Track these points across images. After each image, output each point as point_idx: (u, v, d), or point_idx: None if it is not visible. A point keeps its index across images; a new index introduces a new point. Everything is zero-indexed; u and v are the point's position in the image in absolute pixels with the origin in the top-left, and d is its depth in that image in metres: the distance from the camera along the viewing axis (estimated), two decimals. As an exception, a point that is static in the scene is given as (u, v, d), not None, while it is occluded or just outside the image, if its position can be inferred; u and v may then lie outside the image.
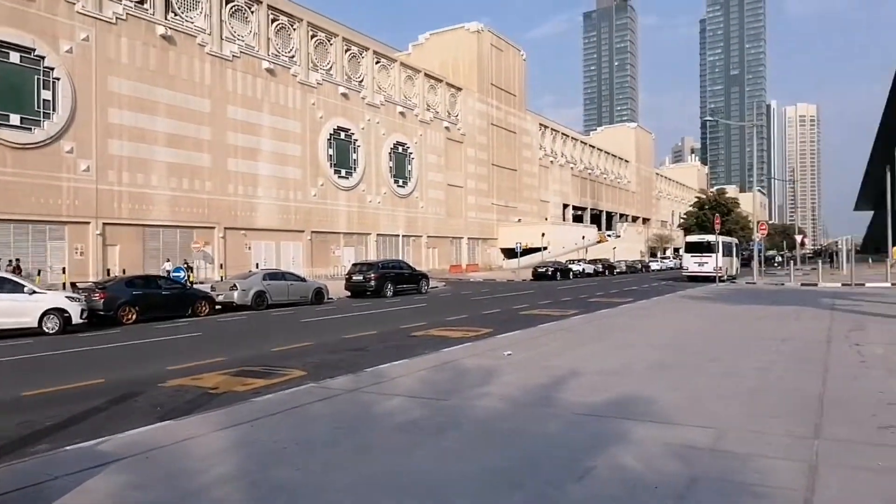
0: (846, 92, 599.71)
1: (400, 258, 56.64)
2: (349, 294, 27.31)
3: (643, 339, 9.88)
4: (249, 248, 44.88)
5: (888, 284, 25.07)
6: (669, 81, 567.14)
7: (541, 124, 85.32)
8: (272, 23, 45.94)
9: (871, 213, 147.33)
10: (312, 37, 49.49)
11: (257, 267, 39.03)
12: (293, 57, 47.57)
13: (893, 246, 40.75)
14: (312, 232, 49.42)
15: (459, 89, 67.48)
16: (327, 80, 50.50)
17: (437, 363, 7.88)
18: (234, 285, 20.86)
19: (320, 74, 49.76)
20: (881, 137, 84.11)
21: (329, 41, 51.17)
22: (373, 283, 26.14)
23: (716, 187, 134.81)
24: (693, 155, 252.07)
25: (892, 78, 52.87)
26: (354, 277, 26.76)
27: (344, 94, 51.99)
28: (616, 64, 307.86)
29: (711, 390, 6.04)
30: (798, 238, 46.10)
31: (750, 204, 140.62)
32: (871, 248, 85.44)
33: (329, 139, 50.77)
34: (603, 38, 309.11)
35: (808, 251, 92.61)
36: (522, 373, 7.07)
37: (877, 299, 17.35)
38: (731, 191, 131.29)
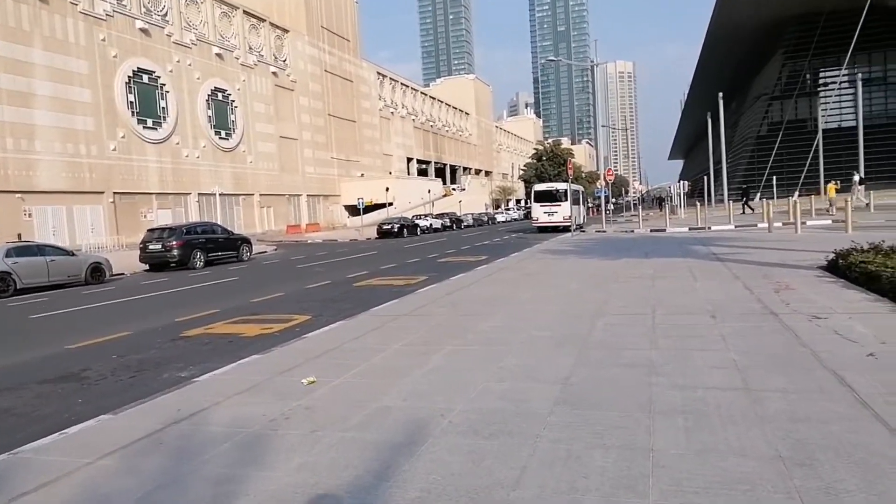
0: (657, 50, 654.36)
1: (222, 220, 50.37)
2: (147, 268, 21.98)
3: (520, 323, 6.76)
4: (30, 214, 36.71)
5: (732, 227, 24.88)
6: (502, 38, 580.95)
7: (379, 73, 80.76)
8: (36, -66, 36.65)
9: (682, 161, 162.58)
10: (95, -43, 40.63)
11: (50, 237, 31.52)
12: (70, -21, 38.71)
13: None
14: (115, 193, 41.79)
15: (287, 31, 60.82)
16: (119, 11, 42.17)
17: (161, 424, 4.08)
18: (-42, 268, 15.00)
19: (109, 4, 41.34)
20: (692, 97, 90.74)
21: (118, -37, 42.47)
22: (175, 252, 21.07)
23: (551, 139, 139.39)
24: (528, 108, 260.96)
25: (699, 44, 54.95)
26: (151, 246, 21.44)
27: (143, 30, 43.94)
28: (451, 17, 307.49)
29: (707, 474, 2.92)
30: (636, 185, 46.85)
31: (581, 155, 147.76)
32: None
33: (128, 83, 42.78)
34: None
35: (633, 198, 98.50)
36: (321, 441, 3.53)
37: (743, 243, 16.03)
38: (564, 142, 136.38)
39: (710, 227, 24.61)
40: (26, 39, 35.78)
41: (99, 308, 12.20)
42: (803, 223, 20.87)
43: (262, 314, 9.71)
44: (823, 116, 52.50)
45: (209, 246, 22.61)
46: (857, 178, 31.85)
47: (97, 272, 18.15)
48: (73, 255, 18.10)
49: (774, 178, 45.80)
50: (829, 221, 23.96)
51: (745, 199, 38.21)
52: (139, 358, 7.05)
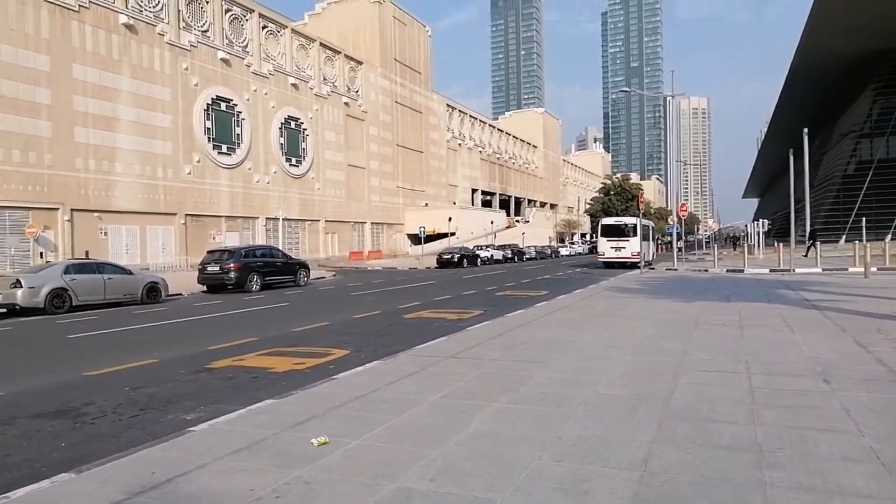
0: (732, 88, 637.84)
1: (288, 244, 50.99)
2: (205, 289, 21.93)
3: (584, 376, 5.69)
4: (105, 233, 38.02)
5: (818, 270, 22.76)
6: (573, 74, 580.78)
7: (448, 105, 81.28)
8: (131, -30, 38.73)
9: (757, 199, 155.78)
10: (183, -9, 42.59)
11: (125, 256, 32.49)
12: (159, 13, 40.63)
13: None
14: (187, 215, 42.94)
15: (360, 63, 62.04)
16: (203, 42, 43.85)
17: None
18: (18, 281, 15.11)
19: (194, 36, 43.06)
20: (772, 133, 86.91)
21: (204, -2, 44.39)
22: (232, 274, 20.90)
23: (619, 174, 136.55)
24: (597, 143, 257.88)
25: (777, 78, 52.44)
26: (209, 268, 21.38)
27: (224, 60, 45.50)
28: (523, 53, 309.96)
29: None
30: (710, 223, 44.56)
31: (650, 191, 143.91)
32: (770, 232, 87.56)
33: (206, 110, 44.23)
34: (510, 27, 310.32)
35: (704, 236, 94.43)
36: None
37: (838, 289, 14.28)
38: (633, 178, 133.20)
39: (794, 270, 22.57)
40: (115, 67, 37.54)
41: (140, 330, 11.83)
42: (906, 270, 18.70)
43: (299, 346, 8.97)
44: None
45: (267, 270, 22.40)
46: None
47: (153, 292, 18.09)
48: (131, 273, 18.13)
49: (864, 219, 42.47)
50: (934, 269, 21.51)
51: (812, 241, 35.45)
52: (151, 392, 6.37)
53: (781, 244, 30.58)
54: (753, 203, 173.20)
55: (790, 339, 7.55)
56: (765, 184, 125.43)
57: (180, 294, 21.01)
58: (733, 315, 9.96)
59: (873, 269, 19.73)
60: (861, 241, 37.67)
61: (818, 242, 34.99)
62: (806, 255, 32.25)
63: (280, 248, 47.59)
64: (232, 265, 21.04)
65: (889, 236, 36.33)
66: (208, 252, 22.87)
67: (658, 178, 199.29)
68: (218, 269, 21.16)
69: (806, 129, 44.74)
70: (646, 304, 12.10)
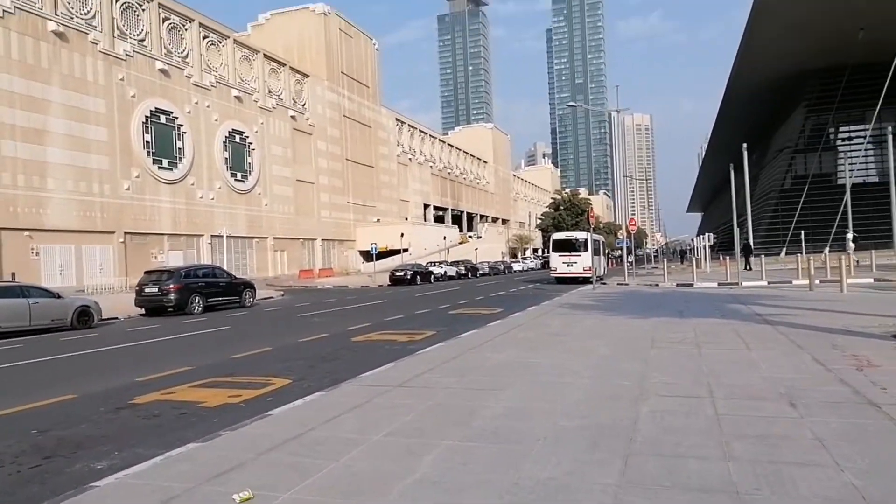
0: (671, 105, 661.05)
1: (235, 263, 49.46)
2: (143, 312, 20.77)
3: (541, 403, 5.34)
4: (37, 253, 36.03)
5: (765, 283, 23.27)
6: (520, 90, 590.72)
7: (398, 119, 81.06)
8: (61, -25, 37.07)
9: (701, 213, 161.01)
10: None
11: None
12: (92, 20, 39.04)
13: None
14: (126, 233, 41.14)
15: (306, 76, 61.21)
16: (140, 52, 42.38)
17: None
18: (-74, 309, 13.84)
19: (130, 45, 41.58)
20: (712, 149, 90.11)
21: (140, 6, 42.95)
22: (172, 296, 19.85)
23: (568, 189, 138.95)
24: (546, 159, 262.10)
25: (713, 96, 54.44)
26: (147, 290, 20.25)
27: (163, 71, 44.06)
28: (470, 68, 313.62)
29: None
30: (657, 237, 45.31)
31: (598, 206, 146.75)
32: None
33: (145, 123, 42.68)
34: (458, 42, 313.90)
35: (651, 250, 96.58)
36: None
37: (787, 303, 14.46)
38: (582, 193, 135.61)
39: (741, 283, 22.96)
40: (44, 77, 35.77)
41: (63, 360, 10.87)
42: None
43: (237, 375, 8.31)
44: (851, 171, 50.98)
45: (209, 290, 21.40)
46: (850, 235, 31.82)
47: (84, 316, 16.94)
48: (60, 297, 16.94)
49: (803, 232, 44.14)
50: (872, 280, 22.23)
51: (745, 254, 36.60)
52: (61, 436, 5.65)
53: (728, 258, 31.25)
54: (697, 217, 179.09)
55: (748, 358, 7.37)
56: (707, 198, 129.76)
57: (116, 318, 19.83)
58: (688, 332, 9.81)
59: (816, 281, 20.22)
60: (801, 253, 39.13)
61: (752, 256, 36.17)
62: (748, 269, 33.19)
63: (224, 266, 46.24)
64: (172, 286, 19.98)
65: (827, 248, 37.72)
66: (146, 273, 21.70)
67: (605, 193, 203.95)
68: (157, 290, 20.07)
69: (745, 144, 46.27)
70: (600, 322, 11.89)
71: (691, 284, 24.70)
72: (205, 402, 6.65)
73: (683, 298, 17.25)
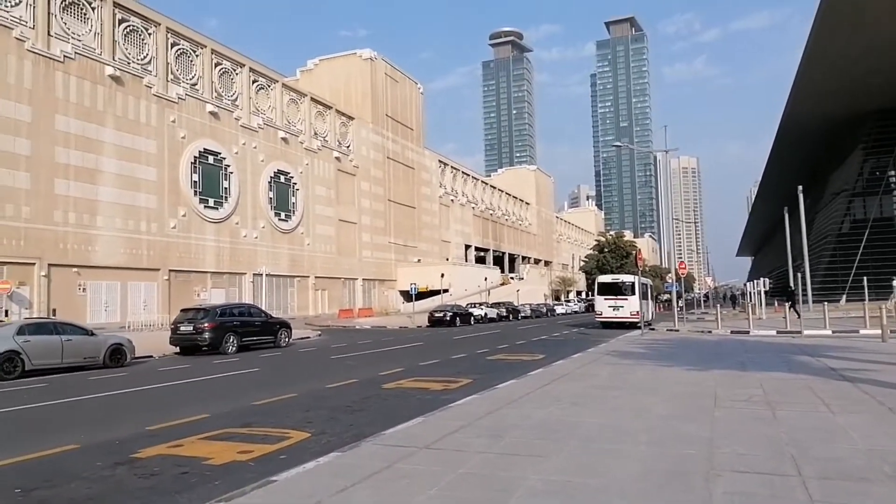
0: (718, 149, 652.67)
1: (276, 301, 49.57)
2: (177, 350, 20.51)
3: (590, 479, 4.55)
4: (84, 289, 36.72)
5: (828, 332, 21.60)
6: (564, 133, 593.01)
7: (440, 161, 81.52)
8: (119, 24, 38.74)
9: (751, 258, 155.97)
10: (173, 45, 42.69)
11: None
12: (147, 65, 40.51)
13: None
14: (171, 271, 41.74)
15: (351, 118, 62.26)
16: (192, 95, 43.71)
17: None
18: (-38, 344, 13.75)
19: (183, 88, 42.97)
20: (763, 192, 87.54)
21: (194, 52, 44.51)
22: (207, 335, 19.53)
23: (612, 231, 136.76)
24: (589, 201, 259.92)
25: (761, 139, 52.92)
26: (182, 328, 20.01)
27: (213, 113, 45.29)
28: (514, 112, 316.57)
29: None
30: (708, 281, 43.53)
31: (644, 249, 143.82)
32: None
33: (194, 163, 43.70)
34: (501, 87, 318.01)
35: (699, 294, 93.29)
36: None
37: (861, 355, 13.11)
38: (627, 235, 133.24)
39: (802, 332, 21.35)
40: (99, 119, 37.04)
41: (81, 402, 10.42)
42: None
43: (253, 426, 7.64)
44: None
45: (244, 330, 21.04)
46: None
47: (117, 354, 16.70)
48: (93, 335, 16.75)
49: (865, 279, 41.66)
50: (950, 331, 20.36)
51: (791, 301, 34.63)
52: (45, 497, 5.04)
53: (787, 304, 29.47)
54: (746, 261, 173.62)
55: (834, 424, 6.32)
56: (758, 242, 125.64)
57: (150, 356, 19.57)
58: (756, 388, 8.73)
59: (876, 330, 18.61)
60: (864, 300, 36.86)
61: (797, 302, 34.17)
62: (798, 316, 31.40)
63: (265, 305, 46.31)
64: (206, 325, 19.69)
65: (893, 297, 35.45)
66: (182, 310, 21.53)
67: (651, 236, 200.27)
68: (191, 328, 19.80)
69: (801, 187, 44.43)
70: (653, 374, 10.86)
71: (747, 332, 23.18)
72: (211, 459, 5.98)
73: (742, 348, 15.96)
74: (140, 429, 7.64)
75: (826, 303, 27.35)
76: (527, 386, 9.57)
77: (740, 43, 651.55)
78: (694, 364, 12.11)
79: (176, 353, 20.35)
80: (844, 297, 50.00)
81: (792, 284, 37.83)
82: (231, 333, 20.25)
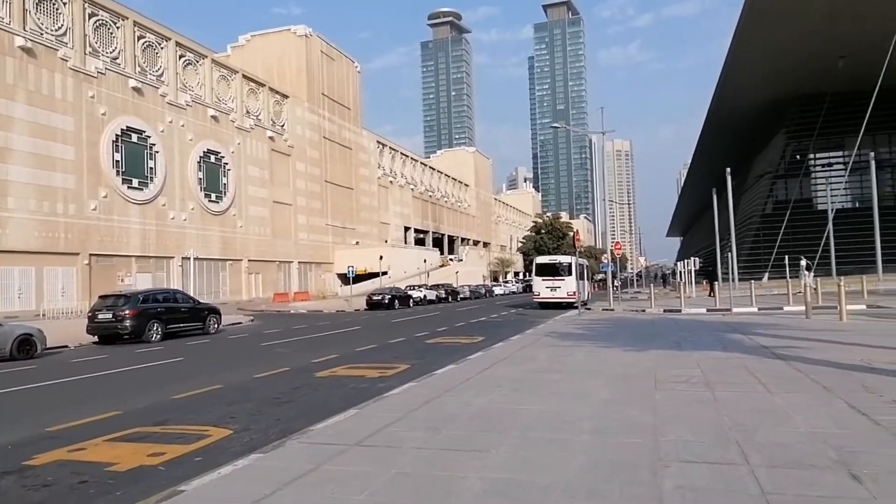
0: (649, 131, 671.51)
1: (207, 285, 47.75)
2: (96, 340, 19.23)
3: (535, 475, 4.29)
4: (-7, 275, 34.15)
5: (754, 309, 22.38)
6: (502, 115, 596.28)
7: (379, 142, 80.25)
8: (30, -9, 35.84)
9: (680, 238, 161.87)
10: (91, 16, 39.91)
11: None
12: (62, 37, 37.73)
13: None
14: (91, 255, 39.41)
15: (286, 97, 60.22)
16: (112, 69, 41.09)
17: None
18: None
19: (102, 62, 40.30)
20: (692, 174, 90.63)
21: (114, 24, 41.77)
22: (128, 322, 18.37)
23: (549, 213, 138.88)
24: (527, 183, 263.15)
25: (690, 122, 54.56)
26: (100, 316, 18.74)
27: (136, 89, 42.76)
28: (453, 94, 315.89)
29: None
30: (642, 261, 44.60)
31: (580, 230, 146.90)
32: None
33: (116, 141, 41.21)
34: (440, 67, 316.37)
35: (632, 274, 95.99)
36: None
37: (788, 332, 13.48)
38: (563, 217, 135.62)
39: (731, 310, 22.01)
40: (8, 93, 34.32)
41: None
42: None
43: (170, 423, 7.01)
44: (834, 197, 50.93)
45: (170, 317, 19.92)
46: (804, 262, 31.68)
47: (26, 346, 15.41)
48: (-3, 325, 15.42)
49: (787, 257, 43.62)
50: (865, 307, 21.45)
51: (708, 280, 36.28)
52: None
53: (705, 282, 30.47)
54: (675, 241, 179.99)
55: (774, 405, 6.26)
56: (687, 223, 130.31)
57: (66, 346, 18.26)
58: (693, 368, 8.70)
59: (800, 307, 19.39)
60: (786, 278, 38.60)
61: (714, 282, 35.71)
62: (710, 295, 32.74)
63: (194, 290, 44.47)
64: (127, 312, 18.50)
65: (811, 275, 37.24)
66: (100, 297, 20.16)
67: (586, 217, 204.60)
68: (111, 316, 18.57)
69: (729, 169, 45.97)
70: (592, 355, 10.76)
71: (679, 311, 23.76)
72: (116, 465, 5.35)
73: (676, 327, 16.21)
74: (39, 430, 6.86)
75: (753, 281, 28.40)
76: (466, 371, 9.26)
77: (672, 28, 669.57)
78: (632, 344, 12.12)
79: (94, 343, 19.08)
80: (767, 274, 52.32)
81: (713, 265, 39.39)
82: (155, 320, 19.13)
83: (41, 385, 10.76)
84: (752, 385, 7.34)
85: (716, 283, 35.56)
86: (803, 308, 21.28)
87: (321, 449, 5.06)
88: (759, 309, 22.45)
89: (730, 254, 41.68)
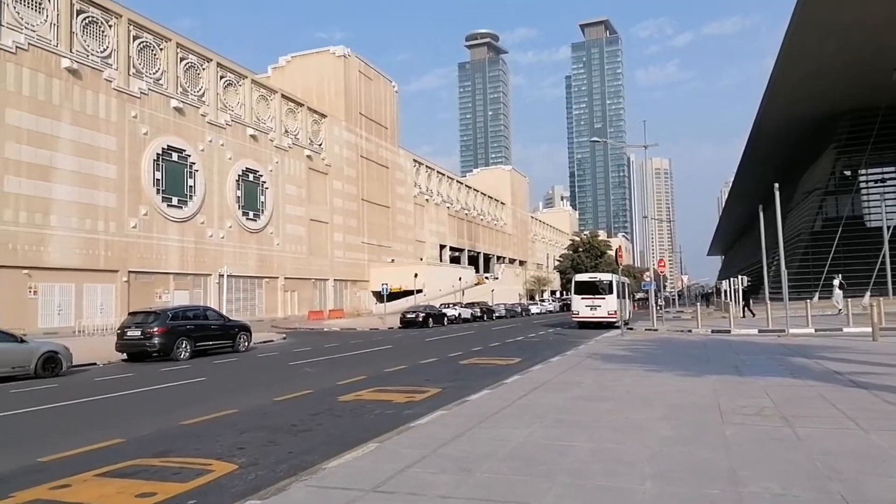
0: (689, 151, 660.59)
1: (243, 303, 47.76)
2: (125, 357, 18.92)
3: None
4: (35, 292, 34.73)
5: (811, 330, 20.84)
6: (539, 135, 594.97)
7: (415, 160, 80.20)
8: (77, 14, 36.77)
9: (721, 257, 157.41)
10: (135, 38, 40.74)
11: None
12: (107, 58, 38.53)
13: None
14: (131, 272, 39.79)
15: (324, 116, 60.59)
16: (155, 90, 41.78)
17: None
18: None
19: (145, 83, 41.02)
20: (735, 192, 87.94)
21: (158, 46, 42.56)
22: (156, 340, 17.98)
23: (587, 231, 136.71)
24: (564, 201, 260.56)
25: (731, 141, 52.83)
26: (129, 333, 18.41)
27: (178, 109, 43.39)
28: (490, 114, 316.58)
29: None
30: (685, 279, 43.00)
31: (616, 248, 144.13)
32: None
33: (157, 160, 41.78)
34: (478, 88, 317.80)
35: (672, 293, 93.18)
36: None
37: (858, 356, 12.22)
38: (601, 235, 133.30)
39: (788, 332, 20.47)
40: (54, 113, 35.05)
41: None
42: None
43: (172, 454, 6.31)
44: (890, 213, 48.42)
45: (199, 334, 19.50)
46: (836, 282, 29.60)
47: (51, 363, 15.09)
48: (23, 341, 15.12)
49: (840, 276, 41.41)
50: (937, 329, 19.72)
51: (747, 300, 34.49)
52: None
53: (770, 303, 28.85)
54: (715, 260, 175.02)
55: (873, 446, 5.22)
56: (729, 241, 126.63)
57: (94, 364, 17.97)
58: (762, 398, 7.64)
59: (860, 328, 17.92)
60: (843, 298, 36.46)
61: (754, 302, 33.84)
62: (743, 316, 31.19)
63: (230, 307, 44.54)
64: (156, 329, 18.13)
65: (867, 294, 35.13)
66: (130, 314, 19.91)
67: (624, 236, 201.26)
68: (139, 333, 18.22)
69: (777, 184, 44.02)
70: (643, 380, 9.73)
71: (728, 331, 22.38)
72: (100, 505, 4.65)
73: (730, 349, 14.98)
74: (30, 460, 6.24)
75: (809, 300, 26.73)
76: (502, 397, 8.37)
77: (712, 47, 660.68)
78: (685, 368, 11.04)
79: (123, 361, 18.76)
80: (817, 294, 49.91)
81: (759, 283, 37.57)
82: (184, 338, 18.72)
83: (54, 406, 10.25)
84: (837, 420, 6.28)
85: (750, 302, 33.89)
86: (865, 329, 19.80)
87: (329, 496, 4.26)
88: (816, 330, 20.92)
89: (780, 272, 39.78)
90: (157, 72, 42.34)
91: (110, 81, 38.49)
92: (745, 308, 34.08)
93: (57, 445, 6.81)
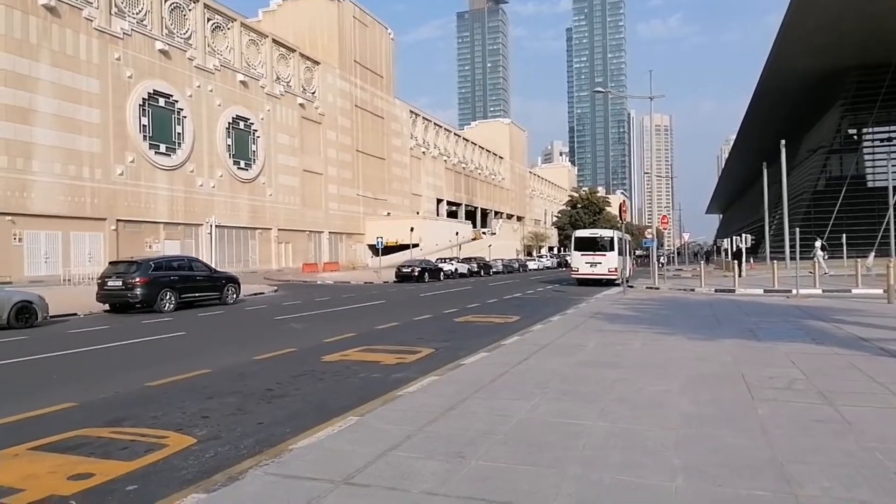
0: (690, 107, 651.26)
1: (236, 254, 46.92)
2: (107, 308, 18.17)
3: None
4: (20, 239, 33.85)
5: (818, 291, 20.17)
6: (538, 88, 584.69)
7: (412, 111, 78.29)
8: (53, -55, 34.68)
9: (719, 216, 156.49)
10: (116, -27, 38.64)
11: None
12: (86, -6, 36.59)
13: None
14: (119, 220, 38.85)
15: (317, 63, 58.58)
16: (139, 31, 39.97)
17: None
18: None
19: (128, 23, 39.21)
20: (737, 149, 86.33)
21: (140, -18, 40.45)
22: (138, 290, 17.19)
23: (585, 187, 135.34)
24: (563, 157, 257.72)
25: (733, 98, 51.23)
26: (109, 283, 17.61)
27: (163, 52, 41.65)
28: (489, 66, 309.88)
29: None
30: (685, 237, 42.28)
31: (616, 205, 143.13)
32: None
33: (142, 105, 40.32)
34: (476, 39, 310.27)
35: (669, 251, 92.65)
36: None
37: (877, 319, 11.49)
38: (599, 192, 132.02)
39: (794, 292, 19.74)
40: (32, 53, 33.45)
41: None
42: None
43: (126, 423, 5.54)
44: (894, 173, 47.35)
45: (184, 285, 18.71)
46: (818, 243, 28.77)
47: (24, 313, 14.29)
48: (-7, 290, 14.32)
49: (844, 236, 40.70)
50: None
51: (738, 259, 33.82)
52: None
53: (775, 262, 28.19)
54: (713, 218, 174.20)
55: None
56: (729, 199, 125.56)
57: (75, 314, 17.21)
58: (789, 367, 6.89)
59: (865, 290, 17.25)
60: (843, 258, 35.84)
61: (741, 263, 33.15)
62: (741, 275, 30.65)
63: (222, 258, 43.70)
64: (138, 279, 17.31)
65: (872, 254, 34.50)
66: (110, 263, 19.09)
67: (623, 193, 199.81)
68: (120, 283, 17.42)
69: (783, 141, 42.88)
70: (653, 344, 8.99)
71: (733, 290, 21.72)
72: (21, 492, 3.88)
73: (739, 310, 14.27)
74: None
75: (815, 260, 26.06)
76: (501, 362, 7.62)
77: (716, 1, 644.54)
78: (696, 331, 10.31)
79: (105, 311, 18.01)
80: (797, 255, 49.31)
81: (759, 241, 36.85)
82: (168, 289, 17.93)
83: (13, 362, 9.48)
84: (883, 397, 5.53)
85: (741, 262, 33.26)
86: (874, 290, 19.16)
87: (291, 489, 3.48)
88: (824, 291, 20.26)
89: (783, 231, 39.09)
90: (140, 12, 40.43)
91: (90, 20, 36.72)
92: (738, 267, 33.41)
93: (7, 408, 6.04)
